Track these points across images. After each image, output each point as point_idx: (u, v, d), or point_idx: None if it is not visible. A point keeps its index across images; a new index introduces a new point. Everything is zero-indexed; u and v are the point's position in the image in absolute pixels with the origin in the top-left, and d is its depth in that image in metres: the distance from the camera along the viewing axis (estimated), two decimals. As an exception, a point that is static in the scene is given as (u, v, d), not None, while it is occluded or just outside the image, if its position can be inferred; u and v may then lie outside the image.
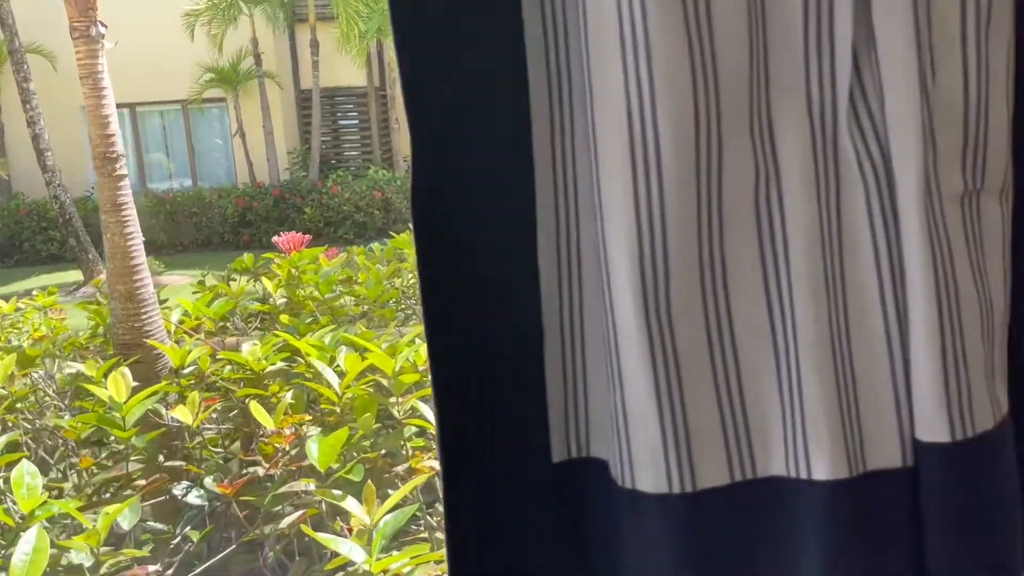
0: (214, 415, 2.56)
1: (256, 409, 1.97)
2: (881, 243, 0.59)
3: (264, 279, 3.32)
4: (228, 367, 2.54)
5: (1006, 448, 0.61)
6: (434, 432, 1.34)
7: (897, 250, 0.59)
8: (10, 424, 2.64)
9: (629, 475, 0.62)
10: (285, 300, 3.16)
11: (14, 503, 1.73)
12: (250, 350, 2.35)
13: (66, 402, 2.76)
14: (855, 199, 0.59)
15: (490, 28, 0.62)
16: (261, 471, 1.93)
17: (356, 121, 12.92)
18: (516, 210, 0.65)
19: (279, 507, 1.96)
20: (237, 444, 2.51)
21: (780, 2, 0.58)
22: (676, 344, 0.60)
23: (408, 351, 2.07)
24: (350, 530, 1.63)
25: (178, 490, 2.22)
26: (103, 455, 2.56)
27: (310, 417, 2.12)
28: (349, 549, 1.44)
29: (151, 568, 1.76)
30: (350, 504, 1.55)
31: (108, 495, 2.34)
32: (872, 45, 0.57)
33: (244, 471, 2.16)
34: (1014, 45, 0.60)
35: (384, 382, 2.03)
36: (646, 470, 0.61)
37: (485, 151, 0.63)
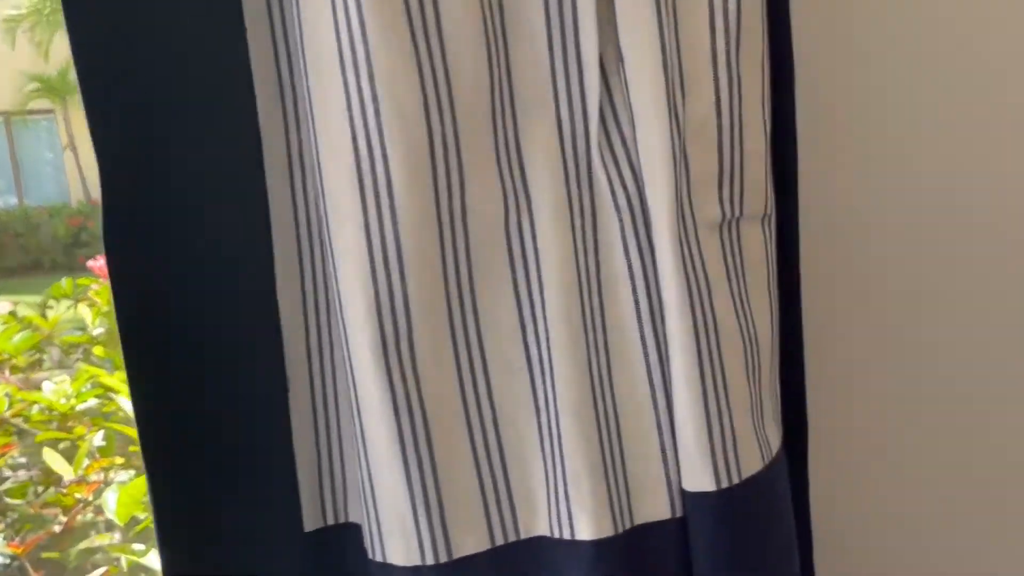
0: (22, 460, 2.32)
1: (51, 455, 1.77)
2: (639, 278, 0.55)
3: (82, 307, 3.04)
4: (36, 407, 2.30)
5: (777, 487, 0.58)
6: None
7: (655, 286, 0.54)
8: None
9: (379, 546, 0.55)
10: (104, 330, 2.91)
11: None
12: (54, 388, 2.13)
13: None
14: (611, 231, 0.55)
15: (197, 28, 0.53)
16: (58, 527, 1.74)
17: (203, 133, 12.29)
18: (248, 247, 0.57)
19: (88, 561, 1.78)
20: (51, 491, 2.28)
21: (520, 15, 0.53)
22: (423, 399, 0.53)
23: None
24: (158, 586, 1.48)
25: (-29, 550, 1.98)
26: None
27: (122, 460, 1.93)
28: (149, 611, 1.30)
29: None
30: (152, 560, 1.41)
31: None
32: (621, 63, 0.53)
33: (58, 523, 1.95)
34: (768, 68, 0.57)
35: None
36: (396, 541, 0.54)
37: (204, 176, 0.55)
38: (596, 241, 0.55)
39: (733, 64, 0.54)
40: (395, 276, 0.51)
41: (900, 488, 0.78)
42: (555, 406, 0.54)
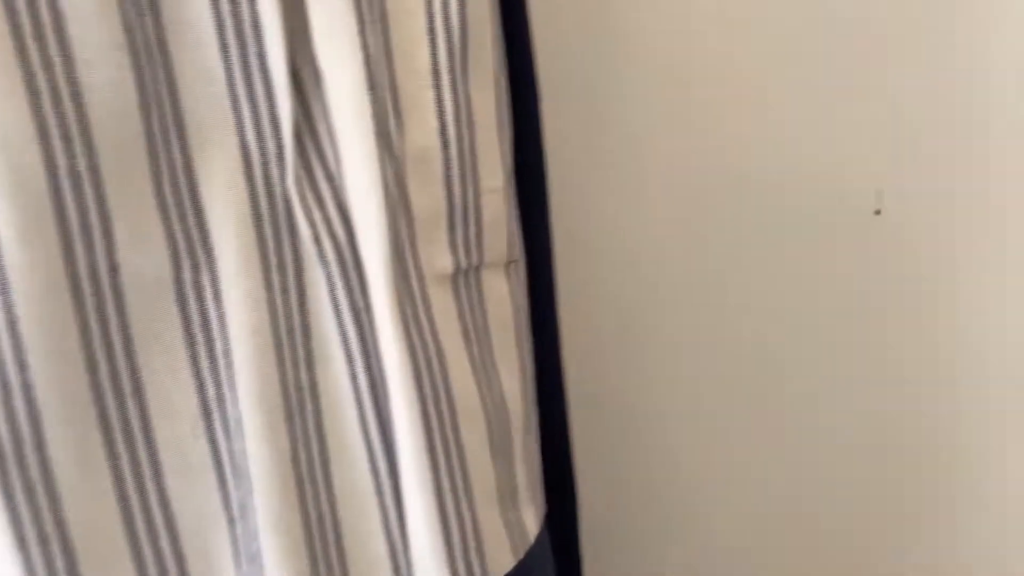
0: None
1: None
2: (355, 347, 0.44)
3: None
4: None
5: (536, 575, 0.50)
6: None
7: (376, 355, 0.44)
8: None
9: None
10: None
11: None
12: None
13: None
14: (318, 288, 0.44)
15: None
16: None
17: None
18: None
19: None
20: None
21: (181, 14, 0.41)
22: (64, 523, 0.40)
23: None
24: None
25: None
26: None
27: None
28: None
29: None
30: None
31: None
32: (320, 80, 0.43)
33: None
34: (506, 87, 0.49)
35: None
36: None
37: None
38: (301, 301, 0.44)
39: (459, 83, 0.45)
40: (10, 362, 0.38)
41: (681, 557, 0.73)
42: (253, 515, 0.43)
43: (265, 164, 0.43)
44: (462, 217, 0.46)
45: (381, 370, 0.44)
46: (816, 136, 0.72)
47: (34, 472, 0.39)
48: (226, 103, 0.42)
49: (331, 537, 0.44)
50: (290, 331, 0.43)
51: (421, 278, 0.45)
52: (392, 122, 0.43)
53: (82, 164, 0.38)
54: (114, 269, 0.40)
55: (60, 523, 0.40)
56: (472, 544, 0.45)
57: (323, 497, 0.44)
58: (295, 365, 0.44)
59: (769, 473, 0.76)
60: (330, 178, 0.43)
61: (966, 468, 0.81)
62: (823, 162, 0.72)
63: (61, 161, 0.38)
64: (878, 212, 0.78)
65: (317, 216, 0.43)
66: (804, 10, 0.70)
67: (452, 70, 0.45)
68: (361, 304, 0.43)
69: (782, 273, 0.76)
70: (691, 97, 0.70)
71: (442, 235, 0.46)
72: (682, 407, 0.71)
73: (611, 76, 0.64)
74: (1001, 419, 0.80)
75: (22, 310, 0.38)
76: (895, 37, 0.71)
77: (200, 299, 0.42)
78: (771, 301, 0.77)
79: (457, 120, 0.45)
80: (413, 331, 0.43)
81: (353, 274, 0.43)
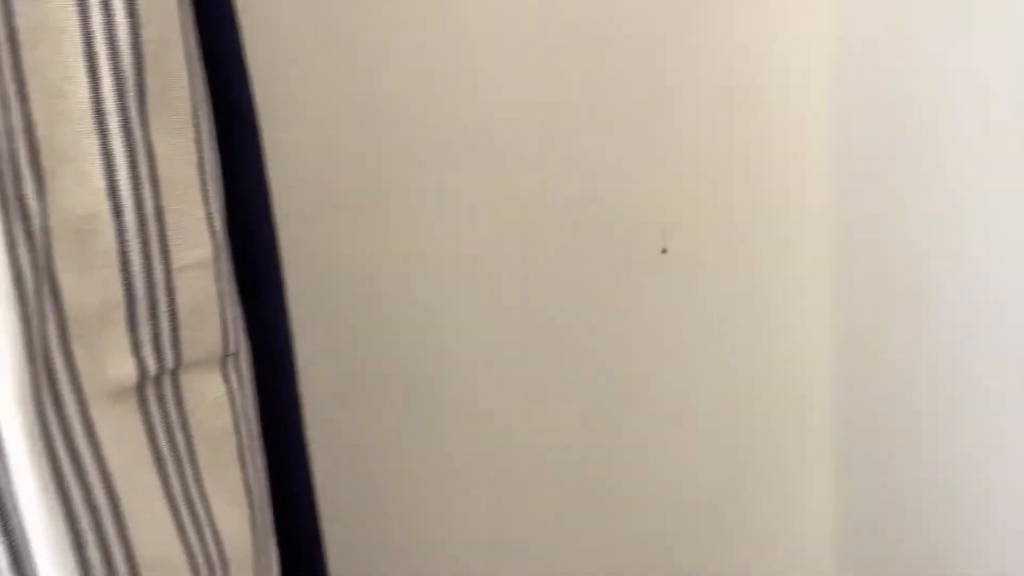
0: None
1: None
2: None
3: None
4: None
5: None
6: None
7: (15, 513, 0.31)
8: None
9: None
10: None
11: None
12: None
13: None
14: None
15: None
16: None
17: None
18: None
19: None
20: None
21: None
22: None
23: None
24: None
25: None
26: None
27: None
28: None
29: None
30: None
31: None
32: None
33: None
34: (209, 127, 0.37)
35: None
36: None
37: None
38: None
39: (135, 124, 0.33)
40: None
41: None
42: None
43: None
44: (148, 306, 0.34)
45: (24, 534, 0.31)
46: (603, 177, 0.67)
47: None
48: None
49: None
50: None
51: (81, 396, 0.32)
52: (29, 183, 0.31)
53: None
54: None
55: None
56: None
57: None
58: None
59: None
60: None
61: (757, 496, 0.79)
62: (610, 201, 0.68)
63: None
64: (664, 251, 0.74)
65: None
66: (590, 53, 0.65)
67: (124, 108, 0.33)
68: None
69: (569, 315, 0.71)
70: (468, 132, 0.62)
71: (119, 333, 0.33)
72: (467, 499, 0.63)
73: (363, 106, 0.54)
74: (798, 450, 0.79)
75: None
76: (679, 77, 0.68)
77: None
78: (561, 344, 0.71)
79: (134, 177, 0.33)
80: (68, 473, 0.31)
81: None
